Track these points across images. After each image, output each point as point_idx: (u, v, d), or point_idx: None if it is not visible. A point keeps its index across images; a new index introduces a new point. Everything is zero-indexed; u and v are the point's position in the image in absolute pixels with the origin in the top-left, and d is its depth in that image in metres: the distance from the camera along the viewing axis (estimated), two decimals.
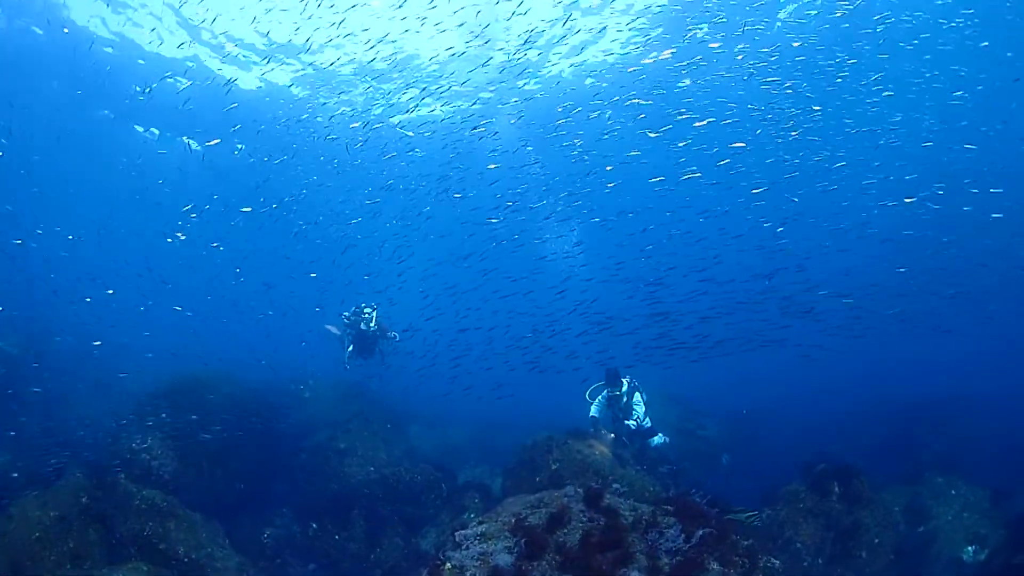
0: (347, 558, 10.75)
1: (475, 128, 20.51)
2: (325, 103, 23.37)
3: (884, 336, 21.55)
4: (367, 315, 13.81)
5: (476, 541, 6.89)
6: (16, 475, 10.02)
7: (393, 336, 14.14)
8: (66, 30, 19.50)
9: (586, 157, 23.19)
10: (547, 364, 19.32)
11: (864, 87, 20.66)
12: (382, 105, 23.52)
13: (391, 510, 11.47)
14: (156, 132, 23.88)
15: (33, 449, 12.01)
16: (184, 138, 25.25)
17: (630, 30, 20.34)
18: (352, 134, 23.66)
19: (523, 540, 6.71)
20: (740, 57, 20.01)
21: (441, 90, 22.24)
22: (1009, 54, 19.86)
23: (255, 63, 21.68)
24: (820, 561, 9.42)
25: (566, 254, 25.47)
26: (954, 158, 21.80)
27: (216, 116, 22.27)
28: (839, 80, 20.06)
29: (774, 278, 17.82)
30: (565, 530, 6.87)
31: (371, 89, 22.92)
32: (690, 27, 19.34)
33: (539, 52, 21.23)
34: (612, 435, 11.11)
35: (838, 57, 19.76)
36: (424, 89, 22.19)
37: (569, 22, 19.75)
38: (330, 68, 21.74)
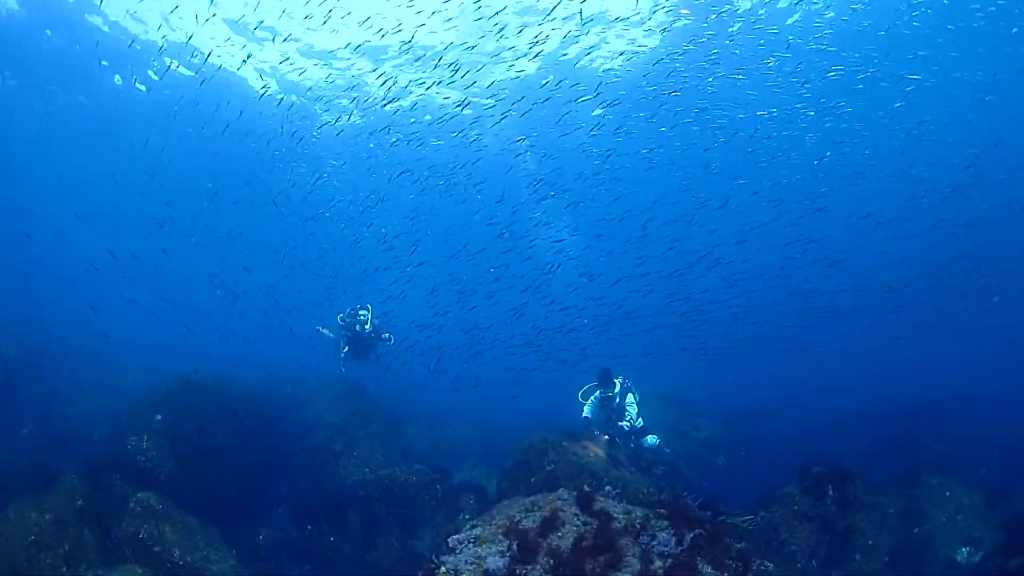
0: (342, 560, 10.75)
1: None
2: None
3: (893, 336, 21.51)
4: (362, 316, 13.80)
5: (470, 544, 6.90)
6: (12, 477, 10.05)
7: (388, 338, 14.13)
8: None
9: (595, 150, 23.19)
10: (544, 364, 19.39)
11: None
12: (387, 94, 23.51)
13: (387, 511, 11.44)
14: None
15: (29, 450, 12.06)
16: None
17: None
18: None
19: (516, 544, 6.75)
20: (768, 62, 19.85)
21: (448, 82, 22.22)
22: None
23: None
24: (815, 563, 9.44)
25: (568, 254, 25.51)
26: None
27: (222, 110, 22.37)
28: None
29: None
30: (559, 533, 6.88)
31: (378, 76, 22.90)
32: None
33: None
34: (606, 436, 11.11)
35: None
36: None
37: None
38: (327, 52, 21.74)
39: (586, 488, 8.12)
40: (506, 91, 21.83)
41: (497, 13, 18.86)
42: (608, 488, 8.76)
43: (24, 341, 14.80)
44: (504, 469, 11.01)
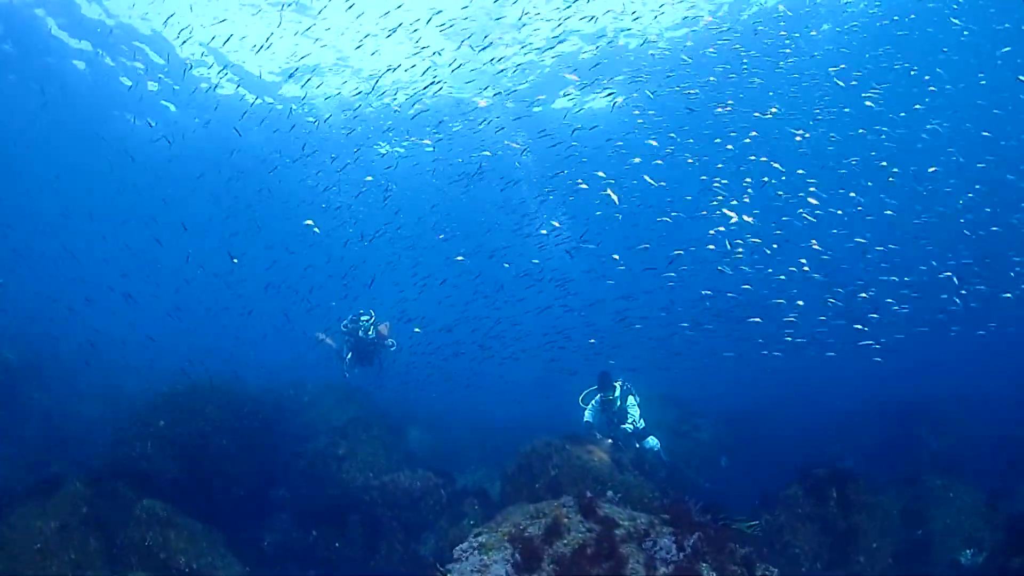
0: (346, 564, 10.77)
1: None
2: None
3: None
4: (364, 322, 13.76)
5: (475, 552, 6.94)
6: (14, 482, 10.06)
7: (391, 344, 14.08)
8: None
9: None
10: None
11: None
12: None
13: (390, 516, 11.46)
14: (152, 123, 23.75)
15: (31, 455, 12.07)
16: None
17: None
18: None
19: (519, 552, 6.78)
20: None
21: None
22: None
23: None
24: (818, 566, 9.46)
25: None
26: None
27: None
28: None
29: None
30: (564, 541, 6.91)
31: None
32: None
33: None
34: (610, 440, 11.13)
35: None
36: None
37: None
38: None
39: (589, 494, 8.17)
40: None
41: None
42: (610, 493, 8.79)
43: (25, 345, 14.88)
44: (507, 473, 11.01)
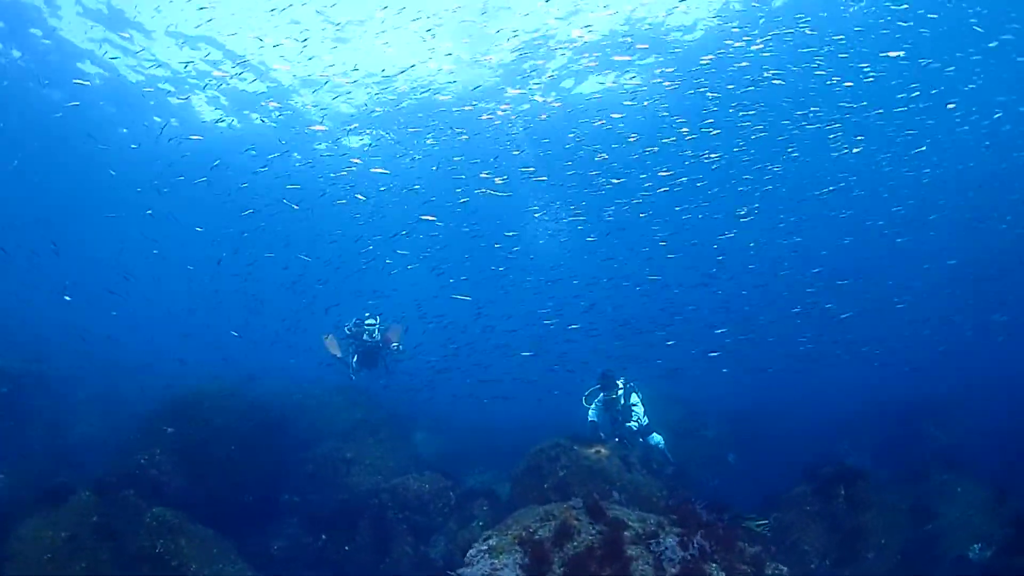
0: (356, 568, 10.79)
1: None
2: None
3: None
4: (369, 326, 13.75)
5: (486, 556, 6.95)
6: (23, 492, 10.09)
7: (397, 347, 14.06)
8: None
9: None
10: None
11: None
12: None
13: (399, 519, 11.49)
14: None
15: (38, 465, 12.08)
16: None
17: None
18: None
19: (529, 555, 6.80)
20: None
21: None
22: None
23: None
24: (827, 563, 9.48)
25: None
26: None
27: None
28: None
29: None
30: (574, 543, 6.93)
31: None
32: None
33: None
34: (617, 439, 11.13)
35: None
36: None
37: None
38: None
39: (596, 496, 8.19)
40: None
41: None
42: (616, 495, 8.79)
43: (28, 353, 14.89)
44: (516, 475, 11.03)
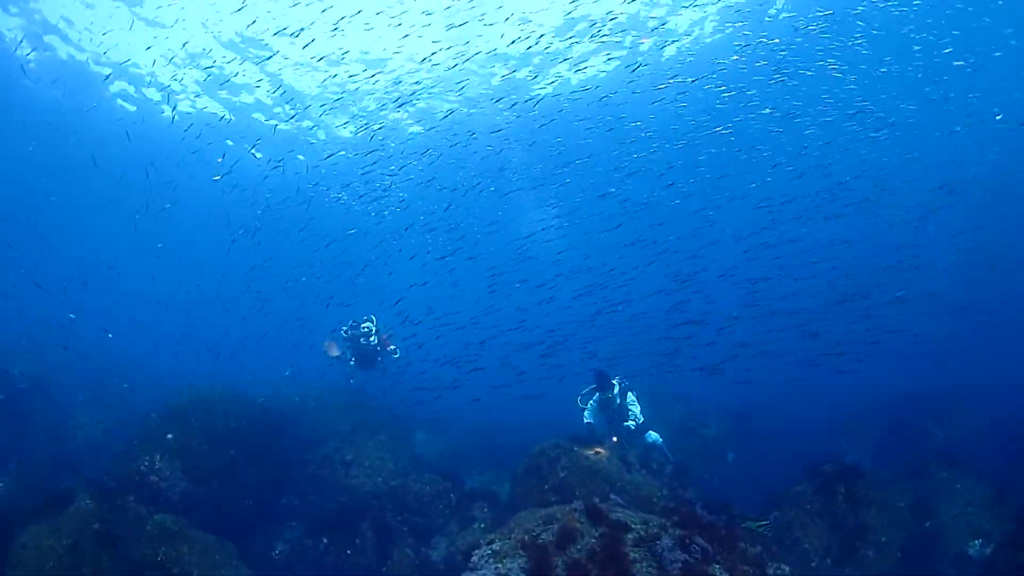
0: (358, 571, 10.79)
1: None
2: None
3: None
4: (365, 329, 13.73)
5: (490, 560, 6.96)
6: (24, 498, 10.07)
7: (394, 350, 14.04)
8: None
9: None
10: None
11: None
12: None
13: (400, 521, 11.52)
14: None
15: (39, 470, 12.05)
16: None
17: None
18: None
19: (532, 559, 6.81)
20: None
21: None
22: None
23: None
24: (828, 561, 9.53)
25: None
26: None
27: None
28: None
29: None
30: (577, 546, 6.95)
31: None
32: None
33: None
34: (615, 438, 11.13)
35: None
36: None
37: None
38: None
39: (598, 500, 8.21)
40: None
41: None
42: (614, 498, 8.79)
43: (30, 359, 14.84)
44: (516, 476, 11.05)
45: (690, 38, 20.24)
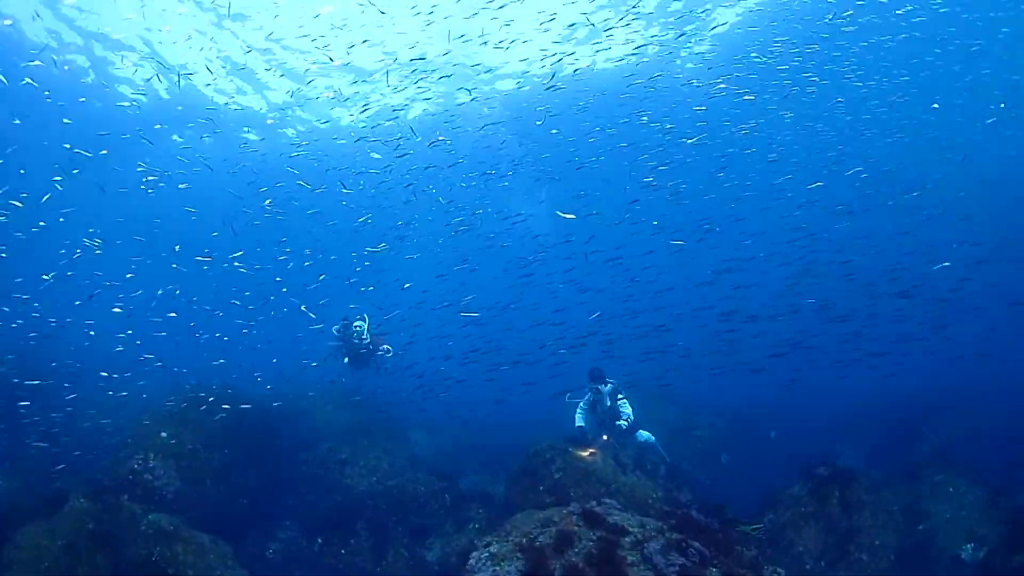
0: (354, 571, 10.78)
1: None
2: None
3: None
4: (357, 328, 13.69)
5: (488, 563, 6.97)
6: (18, 498, 10.00)
7: (387, 350, 14.01)
8: None
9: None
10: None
11: None
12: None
13: (395, 521, 11.50)
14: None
15: (33, 470, 11.97)
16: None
17: None
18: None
19: (529, 563, 6.83)
20: None
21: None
22: None
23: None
24: (823, 564, 9.58)
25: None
26: None
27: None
28: None
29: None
30: (575, 549, 6.98)
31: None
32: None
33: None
34: (605, 437, 11.14)
35: None
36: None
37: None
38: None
39: (594, 503, 8.24)
40: None
41: None
42: (610, 501, 8.80)
43: (21, 357, 14.72)
44: (510, 476, 11.09)
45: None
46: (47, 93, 20.41)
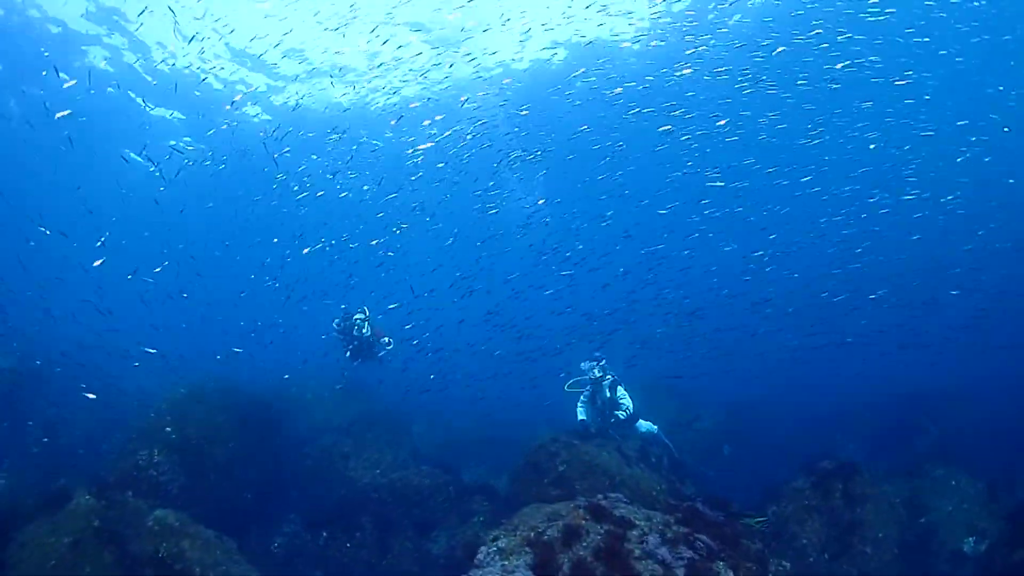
0: (358, 565, 10.80)
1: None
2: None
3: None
4: (358, 321, 13.72)
5: (496, 557, 7.00)
6: (22, 495, 9.95)
7: (387, 342, 14.05)
8: None
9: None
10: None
11: None
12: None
13: (400, 514, 11.51)
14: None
15: (36, 466, 11.95)
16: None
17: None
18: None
19: (538, 557, 6.86)
20: None
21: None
22: None
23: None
24: (826, 557, 9.63)
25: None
26: None
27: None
28: None
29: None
30: (584, 543, 7.00)
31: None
32: None
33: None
34: (607, 430, 11.23)
35: None
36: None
37: None
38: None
39: (600, 497, 8.26)
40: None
41: None
42: (616, 495, 8.83)
43: (24, 352, 14.66)
44: (514, 470, 11.15)
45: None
46: None
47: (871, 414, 16.99)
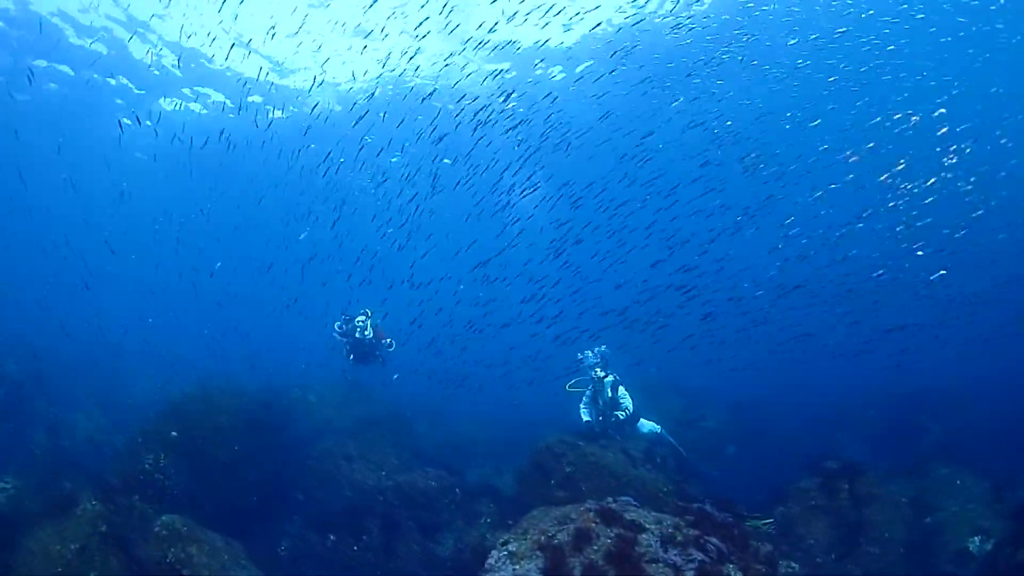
0: (364, 567, 10.79)
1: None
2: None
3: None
4: (360, 323, 13.68)
5: (507, 562, 7.00)
6: (27, 500, 9.92)
7: (389, 343, 14.01)
8: None
9: None
10: None
11: None
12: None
13: (406, 516, 11.50)
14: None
15: (41, 471, 11.88)
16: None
17: None
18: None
19: (549, 561, 6.86)
20: None
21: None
22: None
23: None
24: (832, 557, 9.65)
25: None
26: None
27: None
28: None
29: None
30: (594, 547, 7.00)
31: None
32: None
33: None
34: (609, 430, 11.24)
35: None
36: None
37: None
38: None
39: (611, 500, 8.25)
40: None
41: None
42: (624, 498, 8.83)
43: (27, 356, 14.59)
44: (520, 471, 11.14)
45: None
46: None
47: (875, 413, 17.01)
